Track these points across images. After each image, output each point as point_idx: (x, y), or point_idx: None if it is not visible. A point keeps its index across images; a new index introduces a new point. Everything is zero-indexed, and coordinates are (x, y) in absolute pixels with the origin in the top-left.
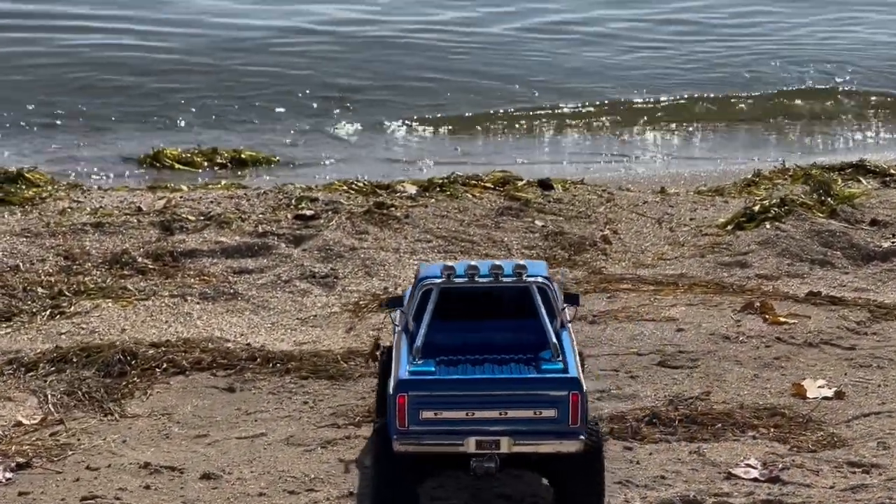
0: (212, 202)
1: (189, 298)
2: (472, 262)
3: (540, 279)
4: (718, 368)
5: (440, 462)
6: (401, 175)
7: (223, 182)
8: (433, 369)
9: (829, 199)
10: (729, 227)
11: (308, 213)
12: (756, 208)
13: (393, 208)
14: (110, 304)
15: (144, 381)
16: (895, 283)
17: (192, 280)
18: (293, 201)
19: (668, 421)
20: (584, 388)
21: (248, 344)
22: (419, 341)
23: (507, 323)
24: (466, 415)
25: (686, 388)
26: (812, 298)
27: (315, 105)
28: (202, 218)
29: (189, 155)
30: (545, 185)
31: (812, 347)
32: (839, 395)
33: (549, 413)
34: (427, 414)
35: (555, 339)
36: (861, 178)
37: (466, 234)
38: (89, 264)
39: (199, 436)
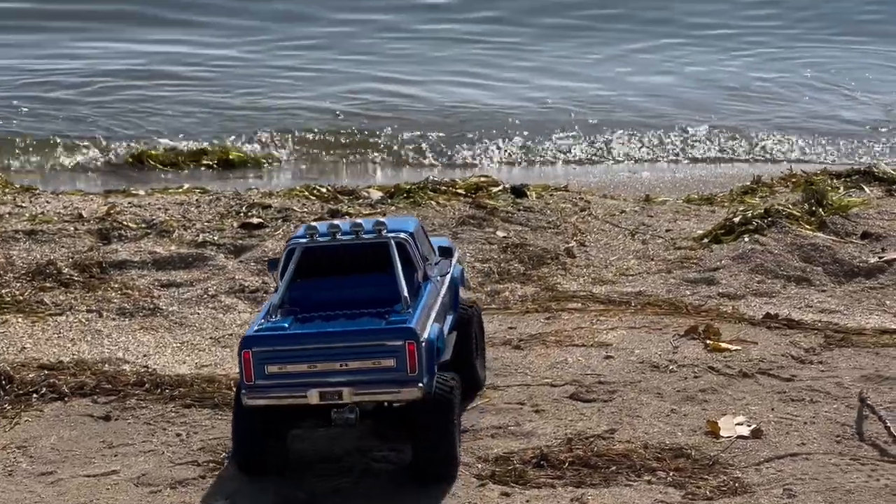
0: (159, 209)
1: (105, 314)
2: (335, 222)
3: (402, 235)
4: (635, 402)
5: (301, 415)
6: (396, 179)
7: (185, 186)
8: (286, 325)
9: (820, 209)
10: (705, 240)
11: (255, 221)
12: (737, 220)
13: (347, 216)
14: (20, 320)
15: (15, 408)
16: (872, 303)
17: (114, 294)
18: (244, 208)
19: (558, 463)
20: (423, 336)
21: (146, 366)
22: (276, 299)
23: (370, 278)
24: (309, 367)
25: (591, 425)
26: (768, 321)
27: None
28: (144, 226)
29: (175, 156)
30: (518, 191)
31: (746, 378)
32: (756, 434)
33: (388, 363)
34: (272, 368)
35: (405, 293)
36: (865, 186)
37: None
38: (11, 275)
39: (44, 473)
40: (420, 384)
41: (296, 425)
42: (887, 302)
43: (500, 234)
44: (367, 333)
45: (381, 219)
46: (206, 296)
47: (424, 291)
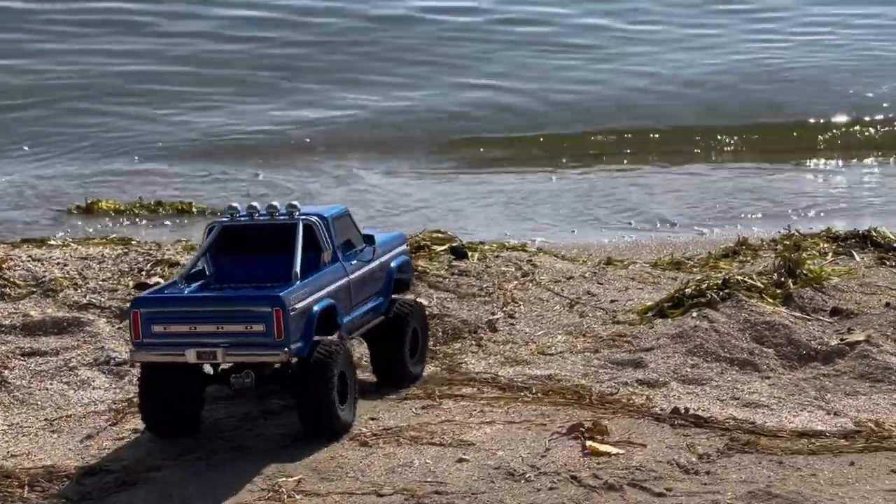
0: (58, 263)
1: None
2: (254, 203)
3: (312, 218)
4: None
5: (203, 378)
6: None
7: (111, 236)
8: (176, 292)
9: (790, 280)
10: (649, 314)
11: (151, 281)
12: (689, 291)
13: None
14: None
15: None
16: (811, 395)
17: None
18: (148, 266)
19: None
20: (294, 305)
21: None
22: (185, 270)
23: (279, 257)
24: (190, 329)
25: None
26: (674, 417)
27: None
28: (31, 283)
29: (129, 207)
30: (458, 252)
31: (610, 492)
32: None
33: (258, 327)
34: (157, 328)
35: (297, 268)
36: (857, 253)
37: None
38: None
39: None
40: (286, 349)
41: (200, 390)
42: (829, 395)
43: (423, 301)
44: (241, 300)
45: (297, 202)
46: (64, 368)
47: (324, 270)
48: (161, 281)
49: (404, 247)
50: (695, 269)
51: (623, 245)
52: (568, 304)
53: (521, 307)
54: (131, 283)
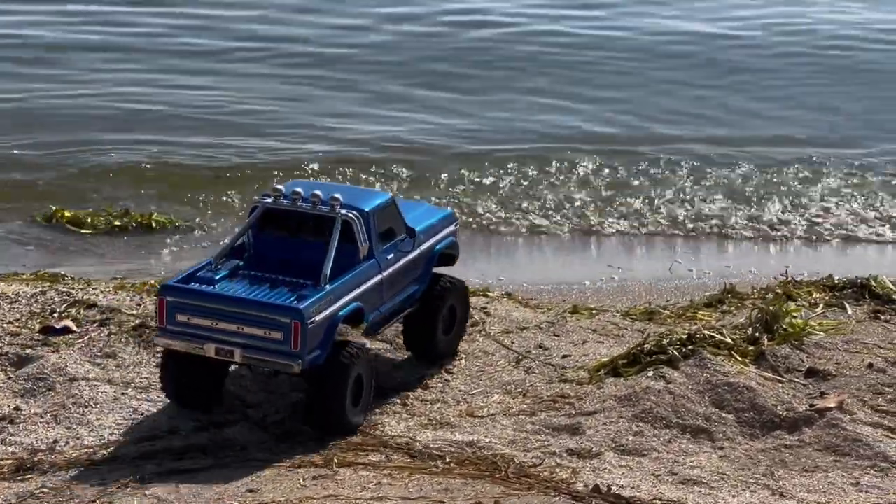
0: None
1: None
2: (298, 189)
3: (351, 214)
4: None
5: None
6: None
7: (40, 272)
8: (205, 282)
9: (765, 336)
10: (602, 372)
11: (59, 325)
12: (648, 346)
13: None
14: None
15: None
16: (762, 471)
17: None
18: (62, 307)
19: None
20: (315, 317)
21: None
22: (224, 249)
23: (315, 244)
24: (212, 324)
25: None
26: (594, 496)
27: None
28: None
29: (92, 218)
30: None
31: None
32: None
33: (276, 335)
34: (181, 317)
35: (328, 271)
36: (850, 305)
37: None
38: None
39: None
40: (299, 361)
41: (221, 370)
42: (781, 472)
43: (368, 346)
44: (263, 306)
45: (338, 193)
46: None
47: (357, 270)
48: (71, 324)
49: (452, 227)
50: (669, 320)
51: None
52: (514, 359)
53: (462, 361)
54: (37, 327)
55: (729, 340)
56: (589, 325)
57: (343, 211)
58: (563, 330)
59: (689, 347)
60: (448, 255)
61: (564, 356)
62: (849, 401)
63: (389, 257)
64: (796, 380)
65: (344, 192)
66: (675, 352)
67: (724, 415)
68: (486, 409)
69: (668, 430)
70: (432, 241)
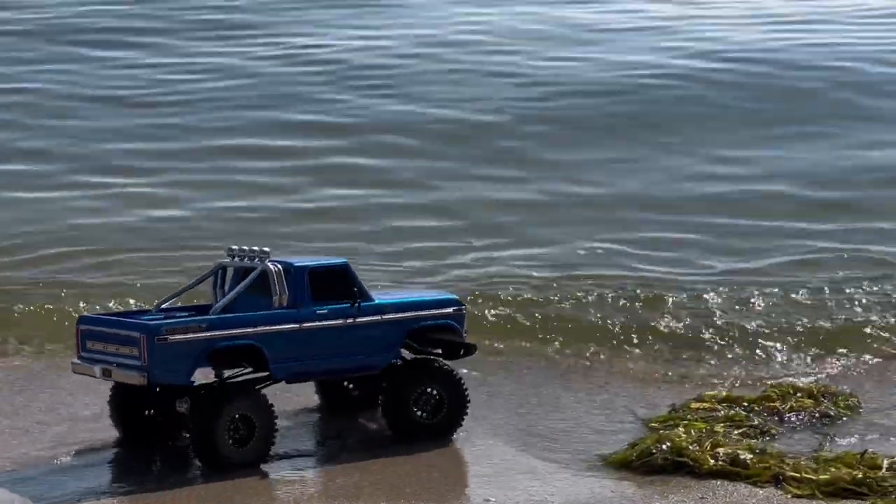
0: None
1: None
2: (244, 247)
3: (275, 266)
4: None
5: (154, 397)
6: None
7: None
8: (134, 314)
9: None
10: None
11: None
12: None
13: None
14: None
15: None
16: None
17: None
18: None
19: None
20: (162, 335)
21: None
22: (162, 300)
23: (253, 295)
24: (103, 347)
25: None
26: None
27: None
28: None
29: None
30: None
31: None
32: None
33: (134, 351)
34: (90, 344)
35: (220, 306)
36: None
37: None
38: None
39: None
40: (144, 374)
41: (163, 407)
42: None
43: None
44: (126, 325)
45: (266, 249)
46: None
47: (262, 313)
48: None
49: (448, 310)
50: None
51: None
52: None
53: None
54: None
55: None
56: None
57: (268, 263)
58: None
59: None
60: (446, 342)
61: None
62: None
63: (320, 313)
64: None
65: (261, 250)
66: None
67: None
68: None
69: None
70: (403, 315)
